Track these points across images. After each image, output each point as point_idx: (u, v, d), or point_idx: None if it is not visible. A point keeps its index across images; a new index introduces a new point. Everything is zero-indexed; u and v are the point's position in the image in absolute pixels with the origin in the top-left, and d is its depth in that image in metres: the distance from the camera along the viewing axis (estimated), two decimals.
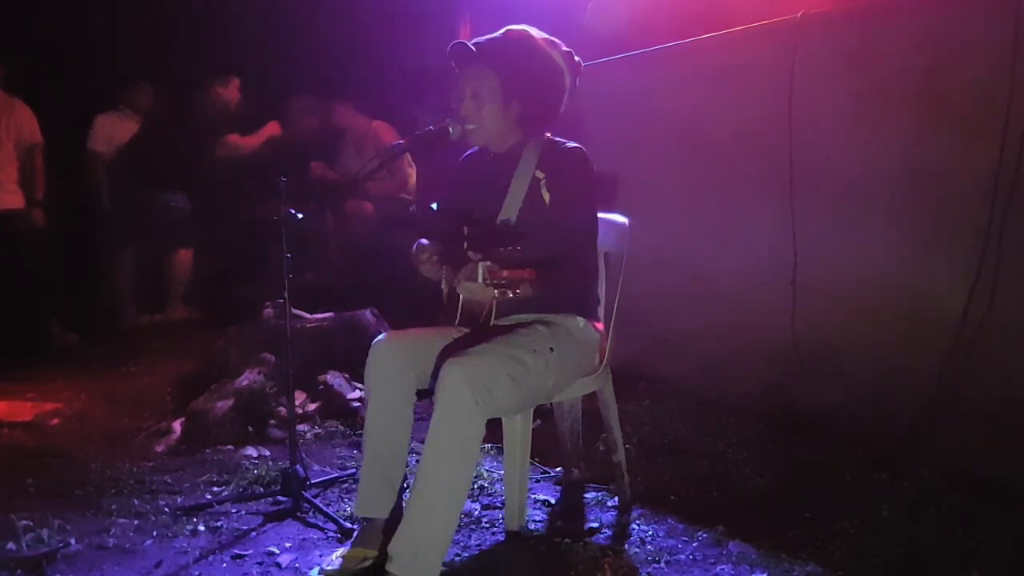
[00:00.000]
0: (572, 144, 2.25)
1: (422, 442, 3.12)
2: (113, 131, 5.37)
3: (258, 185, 4.96)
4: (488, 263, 1.86)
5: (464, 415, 1.88)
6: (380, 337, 2.23)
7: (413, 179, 5.57)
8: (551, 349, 2.10)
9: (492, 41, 2.21)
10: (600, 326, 2.35)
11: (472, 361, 1.92)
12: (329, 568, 2.08)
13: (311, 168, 5.49)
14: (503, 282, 1.85)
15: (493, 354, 1.98)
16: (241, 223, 5.25)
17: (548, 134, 2.29)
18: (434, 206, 2.44)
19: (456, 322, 2.27)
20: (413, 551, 1.88)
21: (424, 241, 2.24)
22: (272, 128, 5.52)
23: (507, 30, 2.23)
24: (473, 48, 2.19)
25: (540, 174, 2.20)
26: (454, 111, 2.23)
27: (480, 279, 1.86)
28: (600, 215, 2.31)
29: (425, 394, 3.39)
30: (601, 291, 2.46)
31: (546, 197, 2.18)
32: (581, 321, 2.25)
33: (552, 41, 2.24)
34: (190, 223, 5.42)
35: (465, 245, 2.19)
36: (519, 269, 1.86)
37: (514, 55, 2.19)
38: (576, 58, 2.27)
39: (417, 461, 2.88)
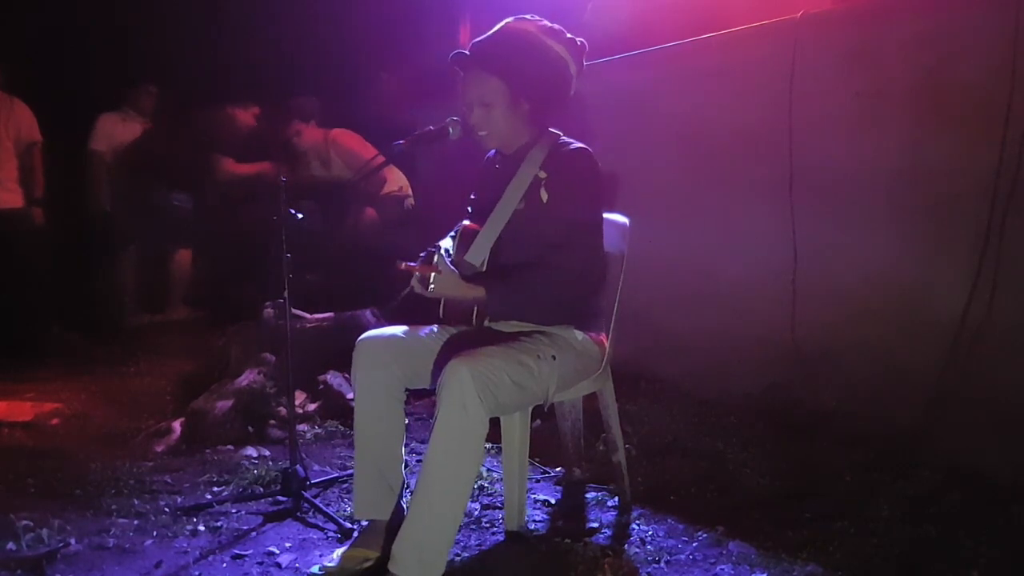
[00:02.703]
0: (578, 145, 2.20)
1: (422, 442, 3.15)
2: (115, 131, 5.36)
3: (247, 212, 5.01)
4: (417, 263, 1.92)
5: (469, 413, 1.88)
6: (364, 335, 2.22)
7: (398, 178, 5.50)
8: (553, 357, 2.09)
9: (491, 44, 2.17)
10: (602, 338, 2.32)
11: (478, 361, 1.92)
12: (330, 564, 2.08)
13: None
14: (420, 279, 1.99)
15: (499, 356, 1.98)
16: (241, 224, 5.25)
17: (560, 135, 2.25)
18: (470, 209, 2.44)
19: (441, 317, 2.26)
20: (417, 551, 1.89)
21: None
22: (265, 166, 5.41)
23: (504, 25, 2.19)
24: (474, 55, 2.17)
25: (543, 174, 2.17)
26: (464, 120, 2.21)
27: (414, 280, 2.00)
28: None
29: (423, 394, 3.42)
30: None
31: (544, 196, 2.15)
32: (579, 334, 2.21)
33: (552, 30, 2.19)
34: (191, 223, 5.41)
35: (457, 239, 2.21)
36: (428, 266, 2.00)
37: (516, 56, 2.16)
38: (579, 41, 2.22)
39: (418, 461, 2.90)
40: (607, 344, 2.33)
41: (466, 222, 2.23)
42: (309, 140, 5.45)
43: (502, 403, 1.96)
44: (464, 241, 2.17)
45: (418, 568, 1.88)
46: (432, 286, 1.98)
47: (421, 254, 1.99)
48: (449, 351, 2.06)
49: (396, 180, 5.49)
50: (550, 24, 2.21)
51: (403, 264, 1.96)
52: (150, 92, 5.47)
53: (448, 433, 1.89)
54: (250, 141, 5.64)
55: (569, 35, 2.22)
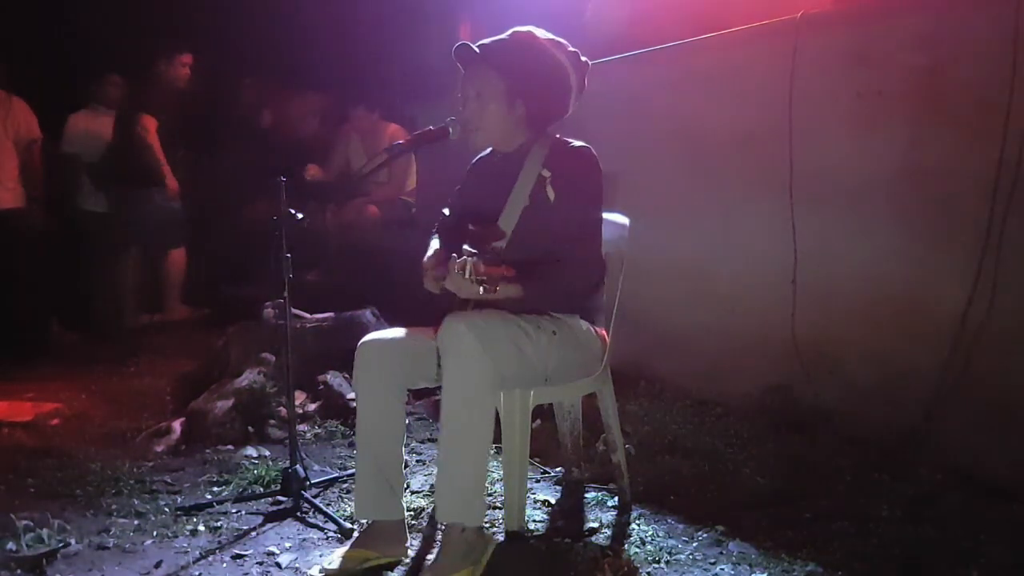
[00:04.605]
0: (579, 143, 2.23)
1: (422, 442, 3.15)
2: (87, 129, 5.26)
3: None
4: (474, 259, 1.88)
5: (474, 358, 1.94)
6: (366, 337, 2.24)
7: (413, 181, 5.58)
8: (554, 332, 2.14)
9: (496, 43, 2.21)
10: (603, 332, 2.34)
11: (476, 317, 1.98)
12: (330, 566, 2.08)
13: (307, 170, 5.47)
14: (484, 278, 1.88)
15: (496, 316, 2.03)
16: (239, 222, 5.25)
17: (557, 134, 2.28)
18: (446, 211, 2.43)
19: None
20: (458, 496, 1.99)
21: (433, 247, 2.26)
22: (171, 180, 5.24)
23: (513, 32, 2.23)
24: (476, 50, 2.19)
25: (546, 172, 2.19)
26: (459, 112, 2.23)
27: (467, 274, 1.87)
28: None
29: (423, 393, 3.42)
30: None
31: (551, 195, 2.17)
32: (584, 324, 2.25)
33: (557, 42, 2.24)
34: (180, 222, 5.37)
35: (467, 243, 2.20)
36: (498, 266, 1.90)
37: (517, 56, 2.19)
38: (583, 58, 2.26)
39: (418, 461, 2.90)
40: (608, 341, 2.34)
41: (470, 226, 2.23)
42: (364, 123, 5.52)
43: (502, 365, 2.00)
44: (478, 240, 2.17)
45: (462, 510, 1.98)
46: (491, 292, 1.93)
47: (468, 258, 1.94)
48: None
49: (413, 180, 5.55)
50: (554, 36, 2.25)
51: (477, 274, 1.86)
52: (115, 83, 5.33)
53: (458, 384, 1.96)
54: (247, 113, 5.61)
55: (572, 49, 2.25)
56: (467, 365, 1.96)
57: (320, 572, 2.08)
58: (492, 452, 2.83)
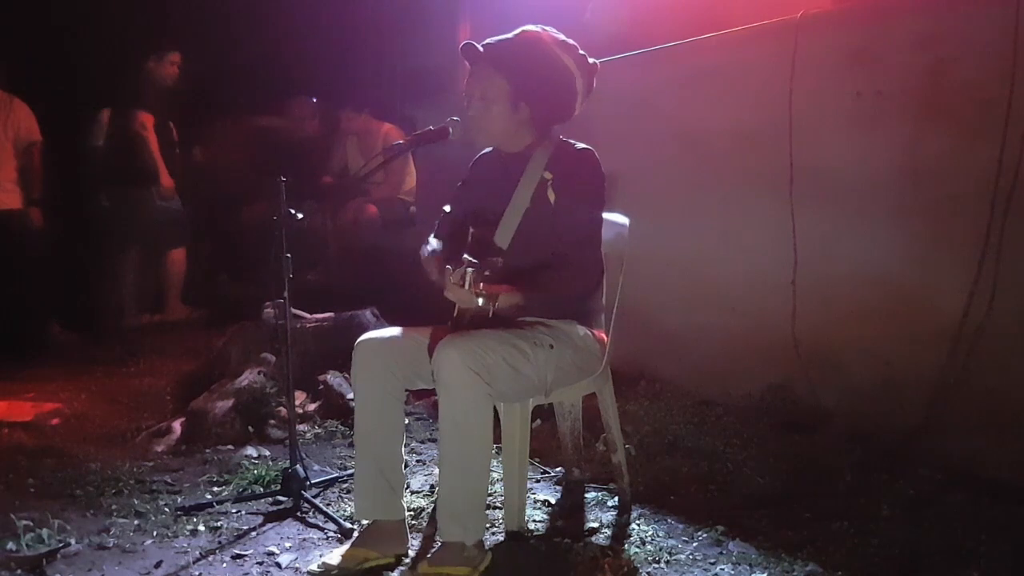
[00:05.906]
0: (583, 146, 2.23)
1: (422, 442, 3.15)
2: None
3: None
4: (473, 270, 1.88)
5: (467, 387, 1.94)
6: (363, 336, 2.23)
7: (412, 180, 5.58)
8: (551, 346, 2.12)
9: (503, 43, 2.20)
10: (601, 334, 2.33)
11: (467, 343, 1.97)
12: (329, 560, 2.09)
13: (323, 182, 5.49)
14: (483, 292, 1.90)
15: (491, 338, 2.02)
16: (239, 223, 5.24)
17: (561, 136, 2.28)
18: (447, 208, 2.42)
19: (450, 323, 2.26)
20: (458, 517, 2.01)
21: (433, 246, 2.25)
22: (166, 178, 5.24)
23: (521, 31, 2.22)
24: (482, 49, 2.18)
25: (548, 175, 2.19)
26: (465, 111, 2.23)
27: (467, 285, 1.88)
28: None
29: (423, 394, 3.42)
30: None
31: (551, 198, 2.17)
32: (581, 329, 2.24)
33: (566, 44, 2.23)
34: (181, 222, 5.36)
35: (468, 243, 2.20)
36: (498, 284, 1.91)
37: (523, 58, 2.18)
38: (591, 60, 2.26)
39: (418, 461, 2.90)
40: (608, 342, 2.34)
41: (471, 228, 2.22)
42: (357, 125, 5.55)
43: (499, 386, 2.00)
44: (478, 246, 2.17)
45: (460, 530, 2.01)
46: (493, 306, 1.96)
47: (468, 269, 1.94)
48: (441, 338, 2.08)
49: (412, 180, 5.54)
50: (564, 38, 2.24)
51: (476, 288, 1.87)
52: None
53: (453, 412, 1.97)
54: (247, 115, 5.61)
55: (582, 52, 2.24)
56: (461, 394, 1.96)
57: (319, 567, 2.08)
58: (492, 452, 2.84)
